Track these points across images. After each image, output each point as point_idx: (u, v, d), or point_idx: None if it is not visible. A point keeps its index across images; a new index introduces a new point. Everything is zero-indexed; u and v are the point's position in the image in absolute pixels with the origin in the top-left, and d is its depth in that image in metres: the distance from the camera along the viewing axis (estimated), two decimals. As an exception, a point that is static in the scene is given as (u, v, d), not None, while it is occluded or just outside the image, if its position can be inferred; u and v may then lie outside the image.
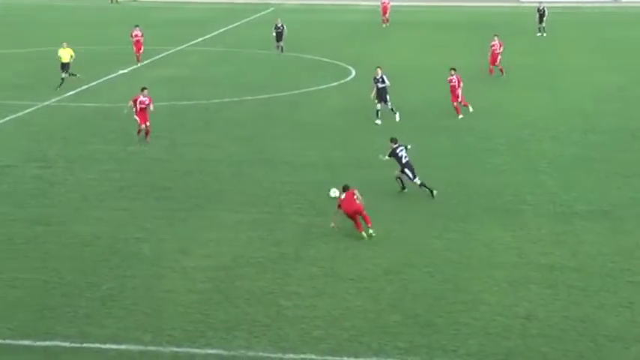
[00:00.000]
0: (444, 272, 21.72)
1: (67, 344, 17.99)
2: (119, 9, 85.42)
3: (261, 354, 17.70)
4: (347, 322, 19.02)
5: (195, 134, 35.67)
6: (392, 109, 37.37)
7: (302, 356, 17.67)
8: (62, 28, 69.21)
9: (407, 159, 27.72)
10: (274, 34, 57.45)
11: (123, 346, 17.92)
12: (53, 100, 41.80)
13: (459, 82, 38.22)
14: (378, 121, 36.87)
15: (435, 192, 27.50)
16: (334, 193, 25.69)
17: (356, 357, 17.59)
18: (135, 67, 50.75)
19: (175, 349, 17.86)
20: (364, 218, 24.20)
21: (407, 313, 19.48)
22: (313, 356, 17.68)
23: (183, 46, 60.39)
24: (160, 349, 17.87)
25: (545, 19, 65.81)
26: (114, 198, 27.43)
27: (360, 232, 24.05)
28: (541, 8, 66.11)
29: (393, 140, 28.09)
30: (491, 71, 48.43)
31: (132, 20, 69.59)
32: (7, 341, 18.06)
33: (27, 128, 36.40)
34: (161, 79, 48.04)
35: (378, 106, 37.10)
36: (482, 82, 47.20)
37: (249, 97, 43.09)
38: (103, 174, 29.91)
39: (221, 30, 69.58)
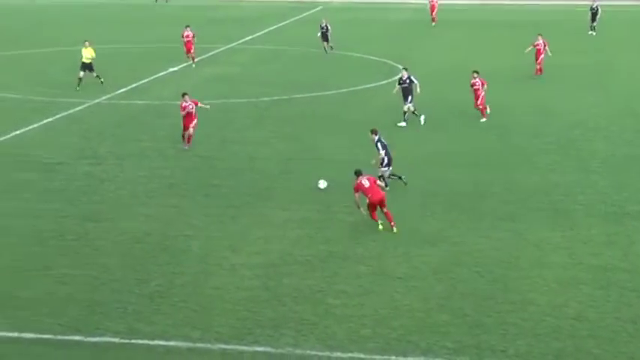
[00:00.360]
0: (492, 272, 21.56)
1: (116, 340, 18.14)
2: (164, 7, 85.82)
3: (308, 352, 17.69)
4: (395, 321, 18.96)
5: (245, 132, 35.80)
6: (414, 112, 36.64)
7: (350, 355, 17.63)
8: (109, 26, 69.88)
9: (385, 148, 28.04)
10: (319, 34, 57.20)
11: (171, 343, 18.03)
12: (104, 97, 42.20)
13: (482, 85, 37.67)
14: (402, 124, 36.32)
15: (404, 177, 28.21)
16: (323, 184, 26.15)
17: (404, 356, 17.52)
18: (185, 64, 51.02)
19: (223, 346, 17.93)
20: (386, 214, 24.30)
21: (455, 312, 19.37)
22: (361, 355, 17.64)
23: (233, 44, 60.64)
24: (209, 346, 17.95)
25: (597, 17, 65.07)
26: (163, 195, 27.62)
27: (377, 220, 24.22)
28: (594, 7, 65.36)
29: (374, 131, 28.49)
30: (537, 71, 47.94)
31: (179, 19, 70.06)
32: (58, 337, 18.26)
33: (78, 125, 36.78)
34: (211, 77, 48.31)
35: (405, 107, 36.43)
36: (531, 81, 46.85)
37: (298, 95, 43.15)
38: (152, 171, 30.14)
39: (271, 28, 69.78)
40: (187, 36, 51.24)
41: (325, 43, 56.63)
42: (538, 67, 48.01)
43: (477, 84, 37.74)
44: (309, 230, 24.47)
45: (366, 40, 62.60)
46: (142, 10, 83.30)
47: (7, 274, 21.40)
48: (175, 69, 49.90)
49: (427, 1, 74.78)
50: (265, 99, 42.36)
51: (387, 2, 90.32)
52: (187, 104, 32.84)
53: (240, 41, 62.14)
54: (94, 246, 23.32)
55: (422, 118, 36.76)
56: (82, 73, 43.55)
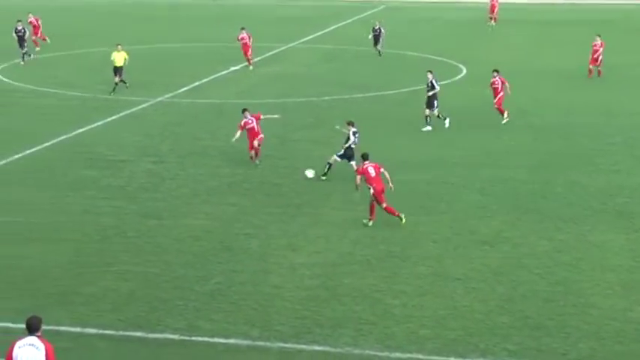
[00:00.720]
0: (554, 274, 21.31)
1: (176, 337, 18.28)
2: (223, 7, 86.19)
3: (367, 352, 17.64)
4: (454, 322, 18.84)
5: (305, 131, 35.87)
6: (439, 116, 35.98)
7: (409, 355, 17.55)
8: (169, 24, 70.45)
9: (355, 144, 28.89)
10: (371, 36, 56.08)
11: (231, 340, 18.11)
12: (166, 96, 42.60)
13: (502, 84, 37.06)
14: (428, 127, 35.75)
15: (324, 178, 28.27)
16: (310, 173, 26.36)
17: (463, 358, 17.38)
18: (246, 64, 51.21)
19: (282, 344, 17.96)
20: (387, 210, 24.50)
21: (516, 314, 19.17)
22: (420, 356, 17.54)
23: (294, 43, 60.80)
24: (268, 344, 17.99)
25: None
26: (224, 193, 27.78)
27: (373, 219, 24.49)
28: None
29: (350, 123, 29.30)
30: (590, 72, 47.19)
31: (240, 18, 70.47)
32: (120, 332, 18.45)
33: (140, 124, 37.18)
34: (271, 76, 48.50)
35: (427, 112, 35.83)
36: (592, 81, 46.23)
37: (359, 95, 43.11)
38: (213, 169, 30.33)
39: (332, 27, 69.83)
40: (243, 38, 50.33)
41: (376, 46, 55.70)
42: (595, 68, 47.02)
43: (497, 83, 37.13)
44: (369, 230, 24.42)
45: (427, 39, 62.33)
46: (201, 9, 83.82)
47: (71, 269, 21.70)
48: (236, 68, 50.17)
49: (487, 0, 74.26)
50: (326, 98, 42.40)
51: (447, 1, 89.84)
52: (248, 120, 30.81)
53: (301, 40, 62.28)
54: (155, 243, 23.54)
55: (447, 120, 36.10)
56: (116, 79, 42.85)
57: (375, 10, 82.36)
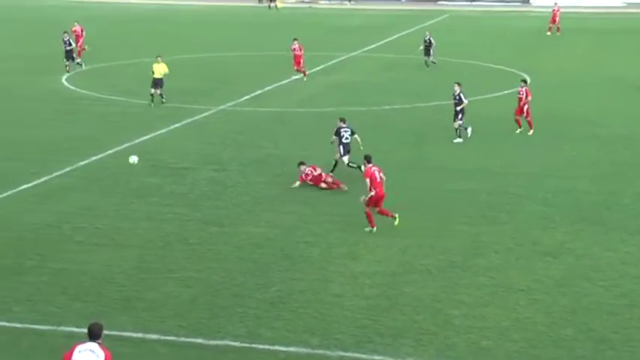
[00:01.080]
0: (620, 286, 20.97)
1: (237, 344, 18.35)
2: (286, 16, 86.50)
3: (428, 362, 17.56)
4: (516, 334, 18.63)
5: (365, 139, 35.76)
6: (463, 127, 35.52)
7: (469, 366, 17.42)
8: (229, 32, 70.88)
9: (347, 140, 30.14)
10: (422, 47, 54.67)
11: (291, 349, 18.12)
12: (228, 104, 42.87)
13: (526, 96, 36.29)
14: (459, 140, 35.30)
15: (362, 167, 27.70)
16: (133, 159, 29.04)
17: (525, 370, 17.20)
18: (308, 72, 51.29)
19: (342, 353, 17.92)
20: (382, 212, 24.69)
21: (580, 327, 18.90)
22: (481, 367, 17.40)
23: (356, 52, 60.82)
24: (328, 352, 17.97)
25: None
26: (285, 201, 27.84)
27: (373, 226, 24.63)
28: None
29: (342, 120, 30.57)
30: None
31: (302, 26, 70.74)
32: (181, 339, 18.57)
33: (203, 132, 37.46)
34: (332, 84, 48.57)
35: (455, 124, 35.37)
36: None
37: (420, 104, 42.97)
38: (274, 177, 30.42)
39: (394, 36, 69.72)
40: (294, 49, 49.59)
41: (427, 57, 54.94)
42: None
43: (522, 93, 36.55)
44: (430, 239, 24.29)
45: (490, 48, 61.92)
46: (259, 17, 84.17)
47: (134, 275, 21.92)
48: (297, 77, 50.30)
49: (550, 9, 73.57)
50: (386, 107, 42.32)
51: (511, 10, 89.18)
52: (308, 171, 29.40)
53: (364, 49, 62.28)
54: (216, 250, 23.68)
55: (469, 130, 35.63)
56: (154, 91, 41.93)
57: (439, 19, 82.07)
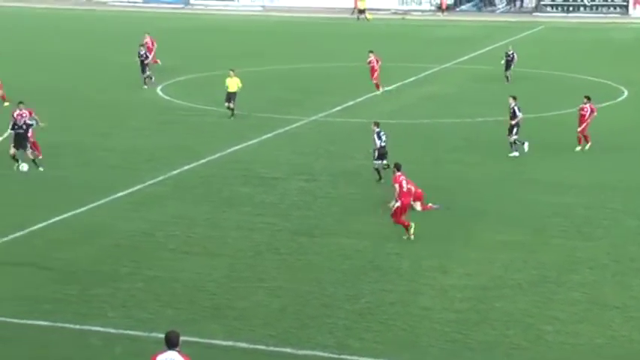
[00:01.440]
0: None
1: (326, 354, 18.34)
2: (379, 26, 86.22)
3: (519, 378, 17.28)
4: (611, 352, 18.22)
5: (458, 152, 35.55)
6: (515, 142, 34.77)
7: (562, 384, 17.08)
8: (320, 43, 71.02)
9: (384, 144, 30.53)
10: (503, 61, 53.13)
11: (380, 360, 18.06)
12: (320, 115, 43.00)
13: (590, 112, 35.32)
14: (515, 153, 34.56)
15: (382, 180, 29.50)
16: (24, 167, 30.31)
17: (620, 389, 16.80)
18: (399, 84, 51.16)
19: (432, 367, 17.78)
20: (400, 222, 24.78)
21: (678, 346, 18.40)
22: (574, 385, 17.04)
23: (449, 63, 60.42)
24: (417, 366, 17.85)
25: None
26: (375, 213, 27.75)
27: (408, 224, 24.76)
28: None
29: (376, 124, 31.17)
30: None
31: (397, 37, 70.57)
32: (270, 348, 18.65)
33: (294, 142, 37.65)
34: (424, 96, 48.34)
35: (511, 138, 34.75)
36: None
37: (514, 116, 42.34)
38: (365, 189, 30.37)
39: (488, 48, 68.98)
40: (370, 62, 48.68)
41: (508, 72, 53.83)
42: None
43: (586, 110, 35.53)
44: (522, 253, 23.94)
45: (587, 60, 60.88)
46: (349, 28, 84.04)
47: (225, 284, 22.12)
48: (389, 88, 50.15)
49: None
50: (479, 119, 41.92)
51: (609, 22, 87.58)
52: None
53: (457, 61, 61.82)
54: (306, 260, 23.74)
55: (526, 145, 34.87)
56: (230, 104, 41.60)
57: (534, 30, 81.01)
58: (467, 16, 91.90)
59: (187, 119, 42.50)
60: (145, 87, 49.97)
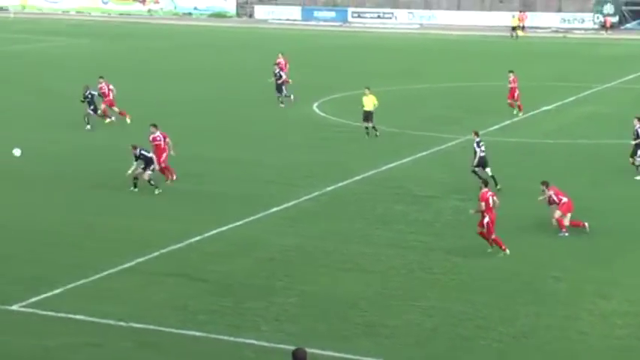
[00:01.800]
0: None
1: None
2: (528, 44, 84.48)
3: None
4: None
5: (616, 174, 34.42)
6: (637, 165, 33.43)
7: None
8: (476, 62, 70.19)
9: (483, 154, 31.84)
10: None
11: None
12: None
13: None
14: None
15: (498, 186, 30.45)
16: (17, 152, 29.05)
17: None
18: (559, 103, 50.02)
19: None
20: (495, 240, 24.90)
21: None
22: None
23: (612, 83, 58.72)
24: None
25: None
26: (533, 233, 27.09)
27: (501, 245, 24.94)
28: None
29: (476, 133, 32.45)
30: None
31: (547, 57, 68.97)
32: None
33: (449, 160, 37.26)
34: (584, 116, 47.15)
35: (636, 161, 33.46)
36: None
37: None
38: (519, 209, 29.47)
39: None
40: (512, 81, 46.78)
41: None
42: None
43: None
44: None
45: None
46: (506, 47, 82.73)
47: (377, 301, 22.04)
48: (548, 108, 49.14)
49: None
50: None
51: None
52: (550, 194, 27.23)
53: (621, 80, 60.00)
54: (460, 280, 23.41)
55: None
56: (368, 124, 41.18)
57: None
58: (632, 35, 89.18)
59: (341, 136, 42.73)
60: (282, 105, 49.96)
